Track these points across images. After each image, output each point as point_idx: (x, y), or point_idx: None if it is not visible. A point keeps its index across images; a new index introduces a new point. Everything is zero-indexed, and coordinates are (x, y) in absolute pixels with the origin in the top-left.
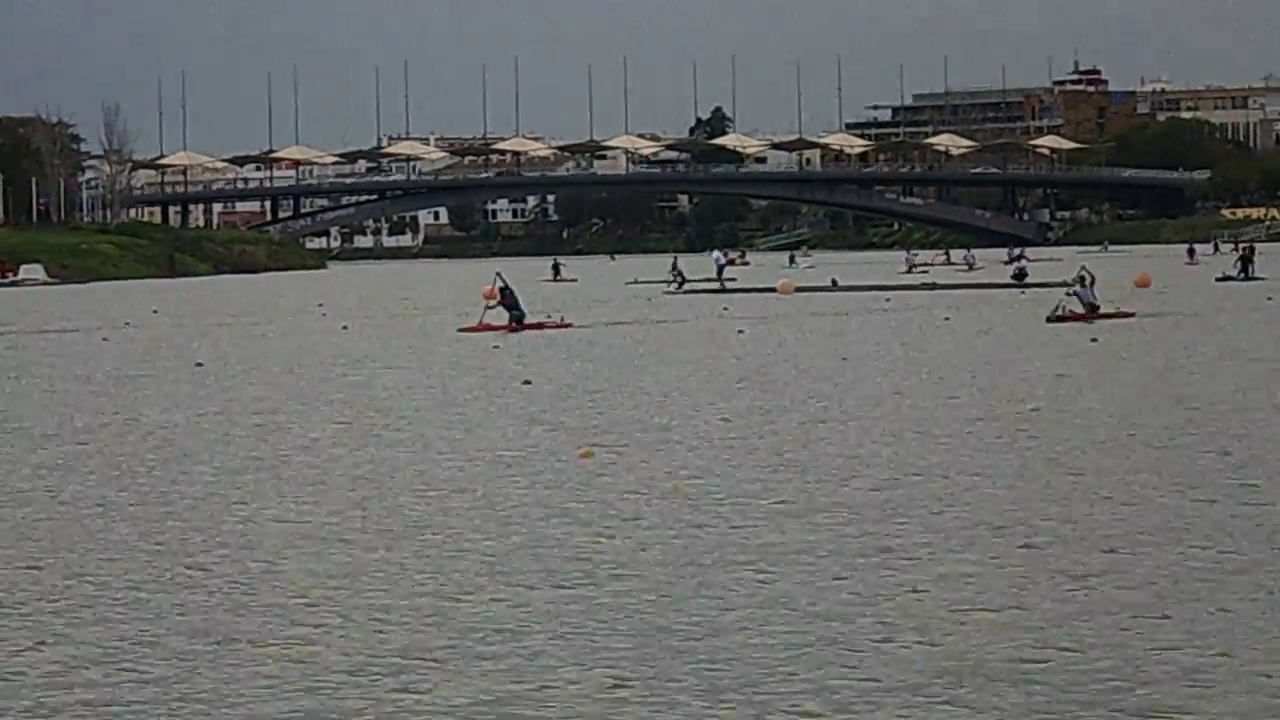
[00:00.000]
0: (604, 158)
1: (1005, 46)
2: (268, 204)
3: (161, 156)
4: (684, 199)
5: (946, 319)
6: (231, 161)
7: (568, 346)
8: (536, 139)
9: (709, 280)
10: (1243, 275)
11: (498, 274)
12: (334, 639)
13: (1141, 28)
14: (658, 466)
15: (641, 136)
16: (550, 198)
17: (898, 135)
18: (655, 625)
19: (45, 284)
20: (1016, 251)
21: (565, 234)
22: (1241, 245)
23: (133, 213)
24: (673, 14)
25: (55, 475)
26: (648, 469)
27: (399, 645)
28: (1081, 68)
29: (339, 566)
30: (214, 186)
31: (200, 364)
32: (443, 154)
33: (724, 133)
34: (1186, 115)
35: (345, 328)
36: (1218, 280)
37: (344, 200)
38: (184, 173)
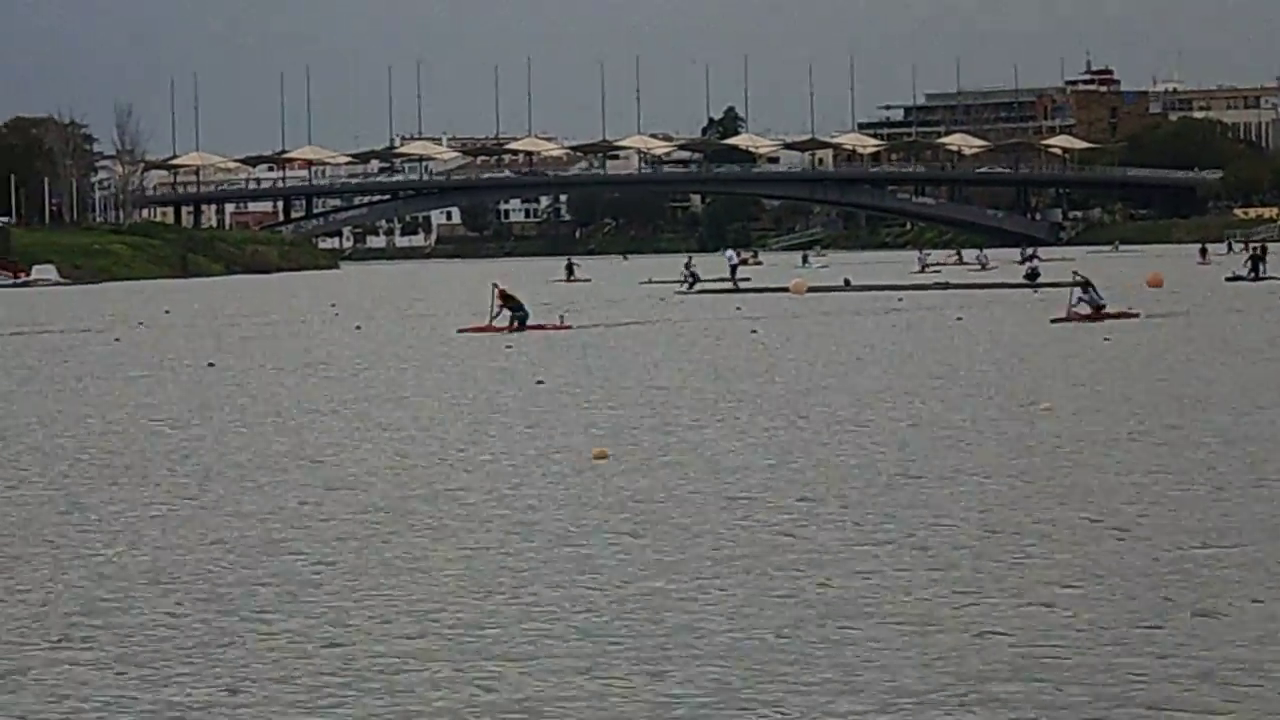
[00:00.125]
0: (616, 158)
1: (1005, 46)
2: (280, 204)
3: (174, 157)
4: (696, 199)
5: (959, 319)
6: (244, 162)
7: (575, 347)
8: (549, 139)
9: (722, 280)
10: (1253, 275)
11: (494, 284)
12: (353, 635)
13: (1142, 28)
14: (671, 468)
15: (654, 136)
16: (563, 198)
17: (910, 135)
18: (683, 625)
19: (58, 284)
20: (1029, 251)
21: (578, 234)
22: (1253, 245)
23: (145, 213)
24: (684, 14)
25: (69, 481)
26: (664, 471)
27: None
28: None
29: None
30: (226, 187)
31: (212, 364)
32: (455, 154)
33: (736, 133)
34: (1199, 115)
35: (358, 328)
36: (1227, 280)
37: (356, 200)
38: (196, 173)
